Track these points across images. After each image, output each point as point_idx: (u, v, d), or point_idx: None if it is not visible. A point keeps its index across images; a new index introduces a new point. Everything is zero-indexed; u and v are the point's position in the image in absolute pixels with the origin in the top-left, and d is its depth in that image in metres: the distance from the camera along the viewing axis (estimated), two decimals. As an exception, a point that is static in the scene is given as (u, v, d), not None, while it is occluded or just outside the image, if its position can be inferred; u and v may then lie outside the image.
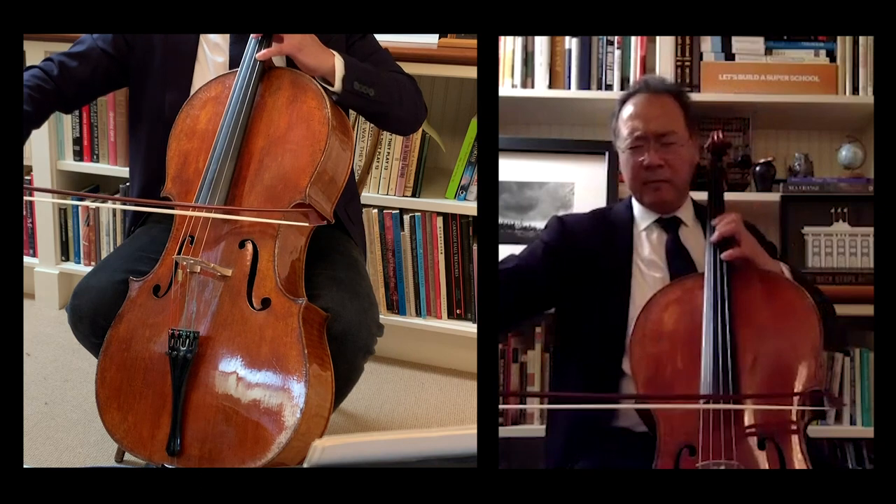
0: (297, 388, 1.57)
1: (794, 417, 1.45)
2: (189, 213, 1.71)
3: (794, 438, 1.44)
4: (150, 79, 1.91)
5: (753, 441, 1.44)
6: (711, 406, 1.45)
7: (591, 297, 1.71)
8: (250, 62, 1.76)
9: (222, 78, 1.82)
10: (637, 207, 1.80)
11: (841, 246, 2.27)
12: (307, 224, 1.71)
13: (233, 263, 1.67)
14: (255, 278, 1.66)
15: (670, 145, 1.72)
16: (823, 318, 1.55)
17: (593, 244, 1.76)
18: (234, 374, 1.62)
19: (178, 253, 1.70)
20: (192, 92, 1.87)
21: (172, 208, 1.74)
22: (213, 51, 1.90)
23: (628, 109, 1.78)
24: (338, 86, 1.76)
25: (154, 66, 1.90)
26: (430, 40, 2.43)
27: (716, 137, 1.81)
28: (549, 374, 2.23)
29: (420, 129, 2.50)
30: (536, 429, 2.22)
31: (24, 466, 1.36)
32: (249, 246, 1.68)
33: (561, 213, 2.01)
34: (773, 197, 2.29)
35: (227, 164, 1.70)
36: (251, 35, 1.79)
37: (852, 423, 2.27)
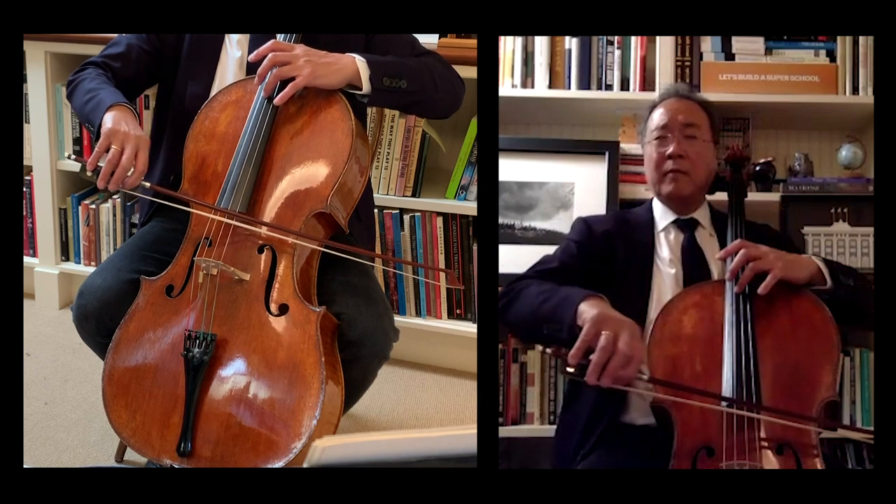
0: (315, 396, 1.57)
1: (812, 429, 1.48)
2: (216, 217, 1.69)
3: (812, 445, 1.47)
4: (177, 70, 1.91)
5: (772, 446, 1.46)
6: (735, 411, 1.46)
7: (614, 296, 1.72)
8: None
9: (243, 82, 1.81)
10: (657, 209, 1.84)
11: (841, 246, 2.27)
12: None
13: (250, 268, 1.67)
14: (273, 284, 1.66)
15: (693, 139, 1.79)
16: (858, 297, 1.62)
17: (616, 244, 1.79)
18: (249, 378, 1.61)
19: (194, 254, 1.69)
20: (212, 86, 1.87)
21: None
22: (232, 46, 1.89)
23: (658, 111, 1.85)
24: (366, 87, 1.72)
25: (182, 58, 1.90)
26: (430, 40, 2.43)
27: (735, 149, 1.89)
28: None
29: (420, 129, 2.51)
30: (536, 429, 2.22)
31: (24, 466, 1.36)
32: (268, 252, 1.68)
33: (561, 212, 2.01)
34: (773, 197, 2.29)
35: (251, 169, 1.70)
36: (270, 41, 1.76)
37: (852, 423, 2.26)
